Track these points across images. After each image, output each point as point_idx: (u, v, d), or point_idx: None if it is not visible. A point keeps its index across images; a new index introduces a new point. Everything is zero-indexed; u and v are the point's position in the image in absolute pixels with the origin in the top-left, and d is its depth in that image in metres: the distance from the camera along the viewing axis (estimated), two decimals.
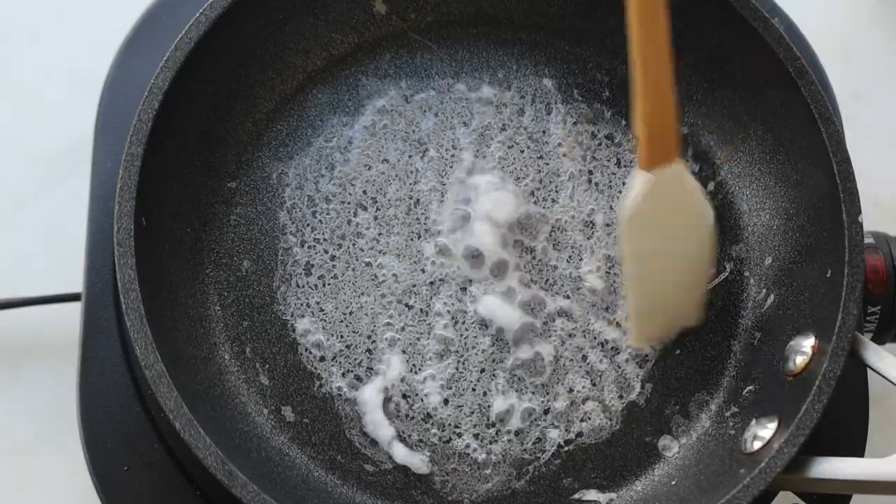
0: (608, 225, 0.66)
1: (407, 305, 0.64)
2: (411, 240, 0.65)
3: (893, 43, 0.79)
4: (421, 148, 0.67)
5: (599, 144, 0.68)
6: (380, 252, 0.65)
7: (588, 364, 0.64)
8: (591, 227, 0.66)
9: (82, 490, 0.65)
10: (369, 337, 0.63)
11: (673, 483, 0.61)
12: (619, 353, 0.64)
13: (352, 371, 0.63)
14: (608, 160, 0.67)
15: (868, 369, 0.61)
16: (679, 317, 0.63)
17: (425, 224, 0.66)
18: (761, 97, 0.65)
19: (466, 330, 0.64)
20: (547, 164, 0.67)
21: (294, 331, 0.64)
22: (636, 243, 0.61)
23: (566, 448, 0.62)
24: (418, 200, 0.66)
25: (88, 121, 0.67)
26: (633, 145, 0.67)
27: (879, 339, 0.64)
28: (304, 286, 0.64)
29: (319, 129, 0.67)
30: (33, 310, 0.69)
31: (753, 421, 0.60)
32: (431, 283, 0.64)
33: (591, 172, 0.67)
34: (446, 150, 0.67)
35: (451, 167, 0.67)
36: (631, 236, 0.61)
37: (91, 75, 0.71)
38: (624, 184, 0.67)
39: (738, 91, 0.66)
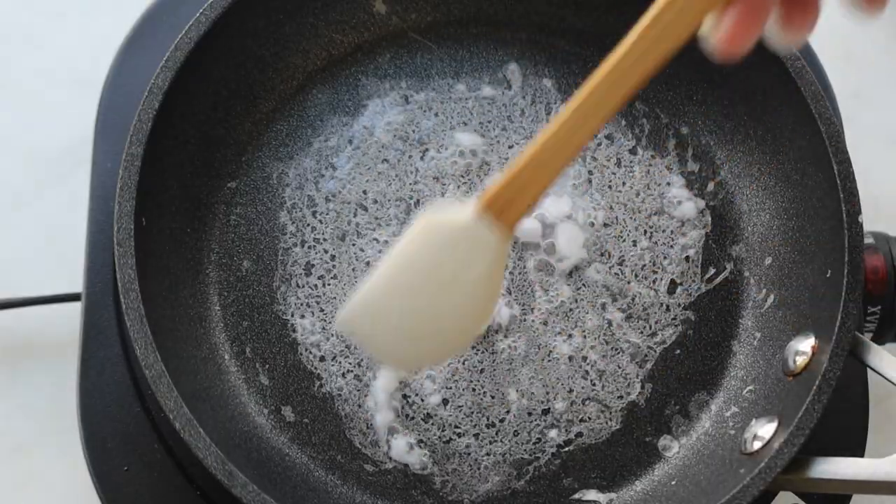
0: (607, 225, 0.66)
1: None
2: None
3: (893, 43, 0.79)
4: (421, 148, 0.67)
5: (599, 144, 0.68)
6: (380, 252, 0.65)
7: (588, 364, 0.64)
8: (592, 228, 0.66)
9: (82, 490, 0.65)
10: None
11: (673, 483, 0.61)
12: (619, 353, 0.64)
13: (352, 371, 0.63)
14: (608, 160, 0.67)
15: (868, 369, 0.61)
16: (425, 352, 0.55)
17: None
18: (761, 97, 0.65)
19: None
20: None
21: (294, 331, 0.64)
22: (419, 253, 0.52)
23: (566, 448, 0.62)
24: (418, 201, 0.66)
25: (88, 121, 0.67)
26: (631, 146, 0.67)
27: (879, 339, 0.64)
28: (304, 286, 0.64)
29: (319, 129, 0.67)
30: (33, 310, 0.69)
31: (753, 421, 0.60)
32: None
33: (590, 173, 0.67)
34: (446, 150, 0.67)
35: (450, 167, 0.67)
36: (418, 243, 0.52)
37: (91, 75, 0.71)
38: (623, 183, 0.67)
39: (738, 91, 0.66)
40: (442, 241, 0.50)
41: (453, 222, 0.50)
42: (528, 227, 0.65)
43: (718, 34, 0.47)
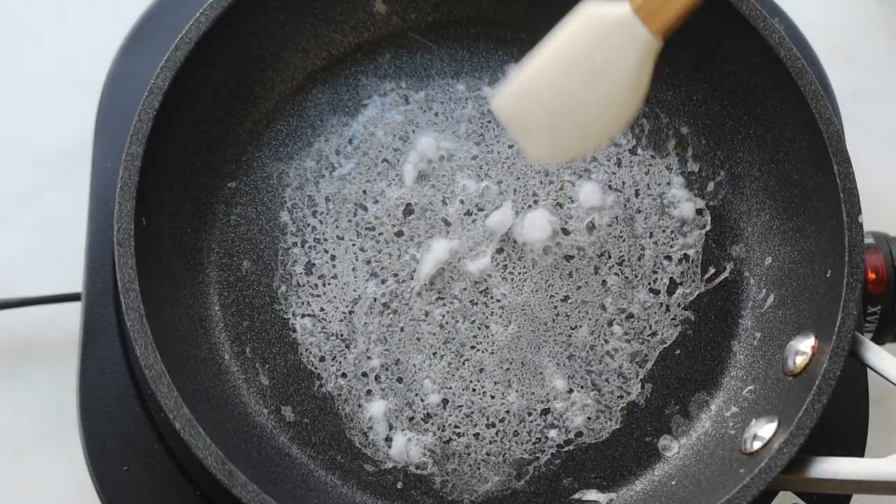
0: (609, 225, 0.66)
1: (407, 305, 0.64)
2: (412, 239, 0.65)
3: (893, 43, 0.79)
4: (421, 148, 0.67)
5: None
6: (380, 251, 0.65)
7: (588, 364, 0.64)
8: (592, 228, 0.66)
9: (82, 490, 0.65)
10: (370, 336, 0.63)
11: (673, 483, 0.61)
12: (619, 352, 0.64)
13: (352, 371, 0.63)
14: (608, 160, 0.67)
15: (868, 369, 0.61)
16: (579, 139, 0.58)
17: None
18: (761, 97, 0.65)
19: (467, 329, 0.64)
20: (547, 164, 0.67)
21: (294, 331, 0.64)
22: (576, 39, 0.56)
23: (566, 448, 0.62)
24: (418, 201, 0.66)
25: (88, 121, 0.67)
26: (631, 146, 0.67)
27: (879, 339, 0.64)
28: (304, 286, 0.64)
29: (319, 129, 0.67)
30: (33, 310, 0.69)
31: (753, 421, 0.60)
32: (432, 282, 0.64)
33: (591, 173, 0.67)
34: (446, 150, 0.67)
35: (450, 167, 0.67)
36: (577, 29, 0.56)
37: (91, 75, 0.71)
38: (624, 183, 0.67)
39: (739, 91, 0.66)
40: (597, 31, 0.54)
41: (610, 14, 0.54)
42: (530, 224, 0.65)
43: None
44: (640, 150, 0.68)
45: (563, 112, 0.55)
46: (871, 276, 0.63)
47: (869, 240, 0.64)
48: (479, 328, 0.64)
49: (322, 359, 0.63)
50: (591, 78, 0.54)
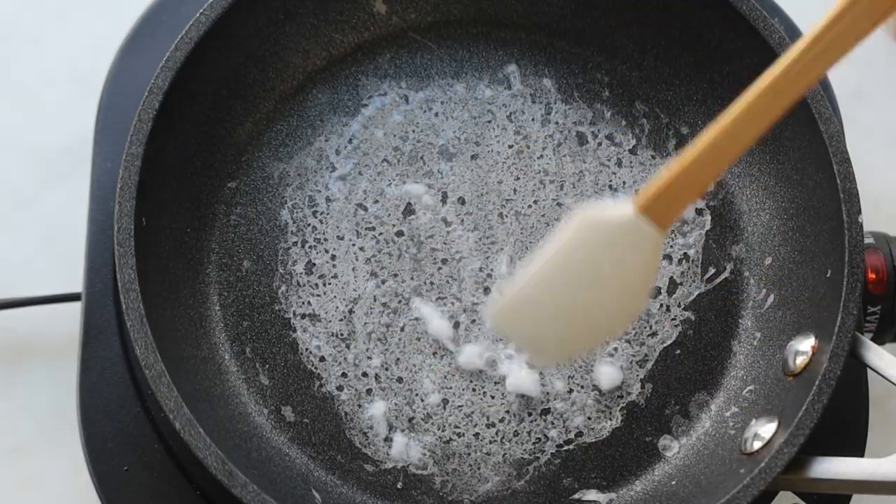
0: None
1: (407, 304, 0.64)
2: (412, 239, 0.65)
3: (894, 43, 0.79)
4: (421, 148, 0.67)
5: (600, 144, 0.68)
6: (380, 251, 0.65)
7: (588, 363, 0.64)
8: None
9: (82, 490, 0.65)
10: (370, 336, 0.63)
11: (673, 483, 0.61)
12: (619, 352, 0.64)
13: (352, 371, 0.63)
14: (608, 160, 0.67)
15: (868, 369, 0.61)
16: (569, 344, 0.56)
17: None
18: None
19: (467, 329, 0.64)
20: (547, 164, 0.67)
21: (294, 331, 0.64)
22: (575, 250, 0.53)
23: (566, 448, 0.62)
24: (418, 201, 0.66)
25: (88, 121, 0.67)
26: (631, 146, 0.67)
27: (879, 339, 0.64)
28: (304, 286, 0.64)
29: (319, 129, 0.67)
30: (33, 310, 0.69)
31: (753, 421, 0.60)
32: (432, 282, 0.64)
33: (591, 173, 0.67)
34: (446, 150, 0.67)
35: (450, 167, 0.67)
36: (574, 239, 0.53)
37: (91, 75, 0.71)
38: (624, 183, 0.67)
39: (739, 91, 0.66)
40: (599, 239, 0.51)
41: (611, 220, 0.51)
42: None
43: None
44: (640, 150, 0.68)
45: (568, 319, 0.53)
46: (871, 276, 0.63)
47: (869, 240, 0.64)
48: (479, 327, 0.64)
49: (322, 359, 0.63)
50: (598, 282, 0.52)
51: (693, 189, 0.51)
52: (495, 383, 0.63)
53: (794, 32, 0.69)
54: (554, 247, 0.52)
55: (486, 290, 0.64)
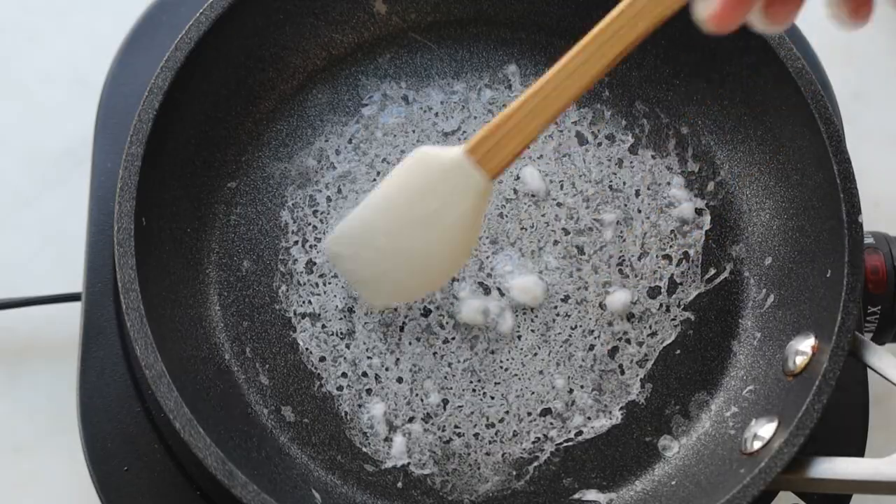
0: (609, 225, 0.66)
1: (407, 304, 0.64)
2: None
3: (893, 43, 0.79)
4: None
5: (599, 144, 0.68)
6: None
7: (588, 363, 0.64)
8: (592, 228, 0.66)
9: (82, 490, 0.65)
10: (370, 336, 0.63)
11: (673, 483, 0.61)
12: (618, 352, 0.64)
13: (352, 371, 0.63)
14: (608, 160, 0.67)
15: (868, 369, 0.61)
16: (411, 287, 0.60)
17: None
18: (761, 97, 0.65)
19: (466, 329, 0.64)
20: (547, 164, 0.67)
21: (294, 331, 0.64)
22: (408, 182, 0.56)
23: (566, 448, 0.62)
24: None
25: (88, 121, 0.67)
26: (631, 146, 0.67)
27: (879, 339, 0.64)
28: (304, 285, 0.64)
29: (319, 129, 0.67)
30: (33, 310, 0.69)
31: (753, 421, 0.60)
32: None
33: (590, 173, 0.67)
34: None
35: None
36: (409, 172, 0.56)
37: (91, 75, 0.71)
38: (624, 183, 0.67)
39: (738, 91, 0.66)
40: (431, 173, 0.55)
41: (441, 158, 0.54)
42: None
43: (708, 11, 0.50)
44: (640, 150, 0.68)
45: (397, 256, 0.56)
46: (871, 276, 0.63)
47: (869, 240, 0.64)
48: (479, 328, 0.64)
49: (322, 358, 0.63)
50: (426, 221, 0.55)
51: (519, 137, 0.53)
52: (495, 383, 0.63)
53: (794, 32, 0.69)
54: (389, 178, 0.55)
55: (487, 290, 0.64)
